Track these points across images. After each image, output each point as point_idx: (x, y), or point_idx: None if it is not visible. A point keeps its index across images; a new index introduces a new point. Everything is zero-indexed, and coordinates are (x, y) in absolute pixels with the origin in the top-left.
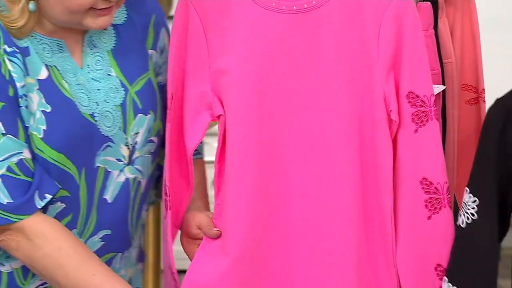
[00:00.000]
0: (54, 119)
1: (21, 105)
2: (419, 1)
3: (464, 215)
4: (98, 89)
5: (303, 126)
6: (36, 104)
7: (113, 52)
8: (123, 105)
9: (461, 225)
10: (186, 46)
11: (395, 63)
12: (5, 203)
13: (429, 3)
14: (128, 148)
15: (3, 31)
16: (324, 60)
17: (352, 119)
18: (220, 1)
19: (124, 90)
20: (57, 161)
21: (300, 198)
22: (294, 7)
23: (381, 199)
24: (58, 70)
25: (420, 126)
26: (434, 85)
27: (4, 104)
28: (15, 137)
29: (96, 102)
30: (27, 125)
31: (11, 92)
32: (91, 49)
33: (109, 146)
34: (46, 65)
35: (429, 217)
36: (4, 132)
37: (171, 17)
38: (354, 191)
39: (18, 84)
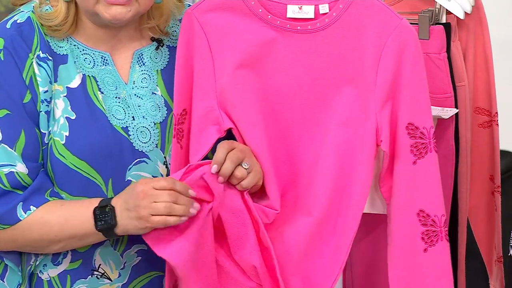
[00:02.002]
0: (77, 126)
1: (40, 110)
2: (432, 25)
3: None
4: (139, 105)
5: (296, 145)
6: (61, 111)
7: (162, 72)
8: (163, 124)
9: None
10: (193, 61)
11: (394, 93)
12: None
13: (441, 26)
14: (167, 167)
15: (41, 39)
16: (322, 81)
17: (338, 143)
18: (225, 16)
19: (167, 110)
20: (79, 168)
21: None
22: (299, 27)
23: (346, 228)
24: (96, 81)
25: (419, 158)
26: (447, 108)
27: (8, 112)
28: (10, 148)
29: (133, 117)
30: (43, 131)
31: (27, 98)
32: (139, 66)
33: (143, 162)
34: (84, 75)
35: (425, 250)
36: (0, 139)
37: None
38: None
39: (41, 89)
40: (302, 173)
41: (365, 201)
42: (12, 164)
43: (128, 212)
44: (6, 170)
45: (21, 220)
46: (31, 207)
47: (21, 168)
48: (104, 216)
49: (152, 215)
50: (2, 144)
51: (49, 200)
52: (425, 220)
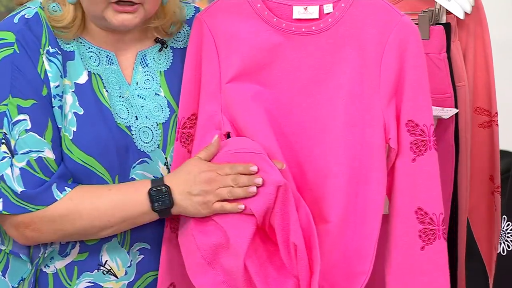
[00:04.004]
0: (85, 122)
1: (54, 105)
2: (432, 25)
3: (504, 243)
4: (142, 106)
5: (305, 149)
6: (69, 106)
7: (165, 73)
8: (165, 124)
9: (502, 253)
10: (201, 65)
11: (397, 90)
12: (19, 192)
13: (441, 26)
14: (167, 168)
15: (50, 34)
16: (328, 83)
17: (348, 144)
18: (232, 19)
19: (169, 111)
20: (87, 163)
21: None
22: (303, 29)
23: (367, 229)
24: (101, 79)
25: (418, 155)
26: (447, 109)
27: (35, 102)
28: (39, 136)
29: (136, 117)
30: (59, 126)
31: (44, 92)
32: (143, 67)
33: (145, 161)
34: (89, 72)
35: (422, 248)
36: (28, 128)
37: None
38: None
39: (52, 84)
40: (313, 177)
41: (383, 200)
42: (40, 150)
43: (192, 196)
44: (35, 155)
45: (57, 200)
46: (66, 187)
47: (48, 153)
48: (161, 197)
49: (216, 201)
50: (31, 132)
51: (77, 185)
52: (423, 218)
